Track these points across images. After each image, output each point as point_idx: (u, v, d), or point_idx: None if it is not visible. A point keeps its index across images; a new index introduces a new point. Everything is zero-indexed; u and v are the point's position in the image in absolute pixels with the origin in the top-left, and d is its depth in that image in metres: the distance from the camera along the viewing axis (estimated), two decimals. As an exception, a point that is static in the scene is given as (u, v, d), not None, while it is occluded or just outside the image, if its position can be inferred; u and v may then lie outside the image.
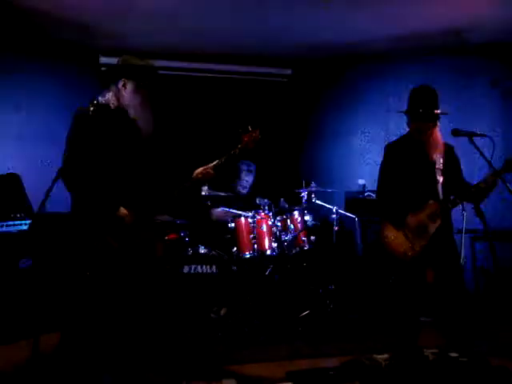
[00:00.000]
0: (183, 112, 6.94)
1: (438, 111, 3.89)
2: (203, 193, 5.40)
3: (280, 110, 7.42)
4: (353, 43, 6.48)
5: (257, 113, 6.99)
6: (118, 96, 3.56)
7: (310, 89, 7.59)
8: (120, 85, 3.55)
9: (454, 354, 3.44)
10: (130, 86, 3.56)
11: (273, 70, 7.43)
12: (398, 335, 4.07)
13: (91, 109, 3.42)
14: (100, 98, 3.56)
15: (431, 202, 3.88)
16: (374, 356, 3.59)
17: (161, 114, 3.84)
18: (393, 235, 3.93)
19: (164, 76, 3.73)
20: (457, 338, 3.84)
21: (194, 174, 3.70)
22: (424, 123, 3.90)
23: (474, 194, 3.75)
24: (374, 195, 6.16)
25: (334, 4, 5.26)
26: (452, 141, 4.06)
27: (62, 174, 3.31)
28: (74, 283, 3.46)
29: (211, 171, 3.70)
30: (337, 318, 5.29)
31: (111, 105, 3.55)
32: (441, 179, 3.92)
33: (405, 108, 4.03)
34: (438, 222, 3.84)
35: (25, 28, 5.87)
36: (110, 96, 3.57)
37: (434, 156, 3.96)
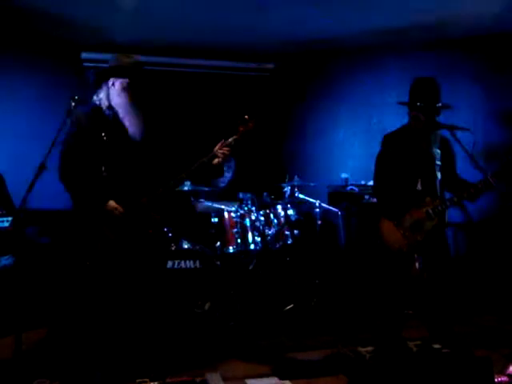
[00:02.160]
0: (166, 107, 6.90)
1: (440, 104, 3.84)
2: (185, 188, 5.38)
3: (262, 104, 7.40)
4: (335, 37, 6.48)
5: (239, 107, 6.97)
6: (108, 95, 3.57)
7: (293, 83, 7.58)
8: (110, 84, 3.57)
9: (437, 346, 3.48)
10: (118, 85, 3.56)
11: (255, 65, 7.42)
12: (382, 328, 4.09)
13: (84, 110, 3.46)
14: (94, 98, 3.59)
15: (428, 199, 3.85)
16: (358, 348, 3.62)
17: (151, 111, 3.83)
18: (389, 231, 3.92)
19: (146, 71, 3.71)
20: (440, 330, 3.87)
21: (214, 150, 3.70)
22: (425, 116, 3.85)
23: (473, 195, 3.73)
24: (357, 189, 6.19)
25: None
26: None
27: (60, 176, 3.45)
28: (73, 274, 3.49)
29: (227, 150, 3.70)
30: (320, 311, 5.30)
31: (103, 105, 3.57)
32: (439, 176, 3.88)
33: (400, 100, 4.00)
34: (436, 220, 3.82)
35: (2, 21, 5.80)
36: (102, 95, 3.59)
37: (433, 150, 3.94)
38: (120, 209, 3.47)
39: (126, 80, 3.56)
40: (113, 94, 3.58)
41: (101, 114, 3.56)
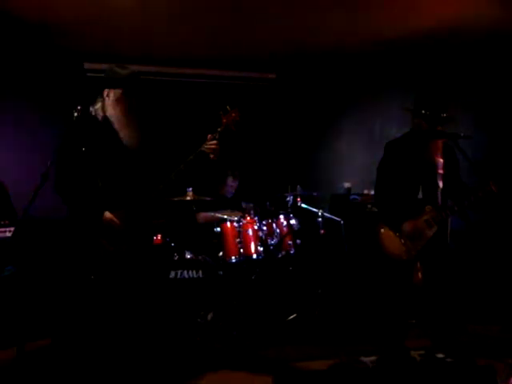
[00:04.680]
0: (167, 117, 6.92)
1: (445, 114, 3.83)
2: (188, 198, 5.39)
3: (265, 114, 7.42)
4: (337, 46, 6.50)
5: (242, 117, 6.98)
6: (103, 106, 3.58)
7: (294, 93, 7.60)
8: (104, 95, 3.57)
9: (440, 355, 3.47)
10: (112, 96, 3.57)
11: (256, 75, 7.44)
12: (386, 337, 4.07)
13: (81, 120, 3.45)
14: (90, 109, 3.59)
15: (429, 207, 3.85)
16: (362, 358, 3.62)
17: (149, 121, 3.84)
18: (389, 238, 3.92)
19: (143, 81, 3.72)
20: (443, 340, 3.86)
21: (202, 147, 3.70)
22: (427, 124, 3.84)
23: (474, 204, 3.71)
24: (359, 198, 6.19)
25: (323, 7, 5.30)
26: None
27: (55, 188, 3.43)
28: (76, 287, 3.48)
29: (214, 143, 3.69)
30: (323, 321, 5.29)
31: (98, 116, 3.57)
32: (441, 184, 3.87)
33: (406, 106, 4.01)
34: (435, 228, 3.81)
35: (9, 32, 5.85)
36: (97, 106, 3.59)
37: (436, 159, 3.93)
38: (116, 220, 3.46)
39: (120, 91, 3.56)
40: (108, 105, 3.57)
41: (97, 124, 3.56)
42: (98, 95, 3.62)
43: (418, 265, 3.85)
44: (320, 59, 6.96)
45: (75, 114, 3.42)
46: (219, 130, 3.74)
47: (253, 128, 6.86)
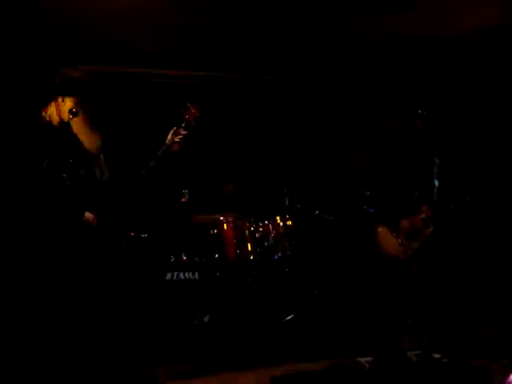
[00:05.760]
0: (159, 118, 6.90)
1: (441, 114, 3.88)
2: (183, 199, 5.39)
3: (261, 115, 7.42)
4: (335, 47, 6.51)
5: (238, 117, 7.01)
6: (58, 112, 3.50)
7: (291, 94, 7.59)
8: (59, 99, 3.51)
9: (437, 355, 3.47)
10: (68, 101, 3.51)
11: (253, 77, 7.44)
12: (382, 337, 4.07)
13: (37, 126, 3.42)
14: (44, 114, 3.52)
15: (425, 207, 3.86)
16: (358, 359, 3.61)
17: (110, 123, 3.83)
18: (385, 237, 3.92)
19: (99, 82, 3.69)
20: (440, 340, 3.86)
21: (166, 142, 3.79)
22: (423, 124, 3.87)
23: (470, 204, 3.72)
24: (356, 199, 6.17)
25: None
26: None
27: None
28: (53, 288, 3.44)
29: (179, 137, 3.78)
30: (320, 322, 5.28)
31: (54, 121, 3.50)
32: (437, 183, 3.88)
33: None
34: (431, 227, 3.82)
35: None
36: (52, 111, 3.52)
37: (432, 158, 3.93)
38: (95, 219, 3.46)
39: (76, 97, 3.51)
40: (63, 110, 3.49)
41: (53, 129, 3.49)
42: (51, 99, 3.54)
43: (415, 264, 3.86)
44: (317, 60, 6.96)
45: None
46: (182, 125, 3.84)
47: (250, 129, 6.86)
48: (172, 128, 3.82)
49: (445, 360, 3.40)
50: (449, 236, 4.00)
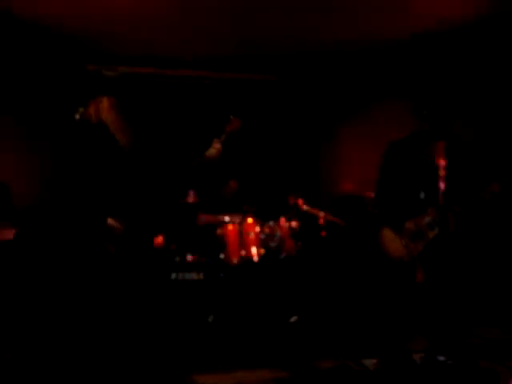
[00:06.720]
0: (166, 119, 6.92)
1: (446, 116, 3.82)
2: (189, 200, 5.40)
3: (265, 117, 7.42)
4: (336, 50, 6.51)
5: (243, 118, 6.99)
6: (97, 110, 3.54)
7: (295, 95, 7.59)
8: (98, 100, 3.54)
9: (441, 358, 3.46)
10: (105, 102, 3.55)
11: (257, 77, 7.44)
12: (387, 339, 4.07)
13: (77, 125, 3.43)
14: (83, 113, 3.55)
15: (431, 209, 3.85)
16: (363, 361, 3.61)
17: (145, 123, 3.85)
18: (390, 239, 3.91)
19: (135, 83, 3.71)
20: (445, 342, 3.85)
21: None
22: (429, 126, 3.85)
23: (475, 205, 3.71)
24: (361, 200, 6.18)
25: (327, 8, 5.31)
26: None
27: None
28: (78, 290, 3.46)
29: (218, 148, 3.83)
30: (325, 323, 5.28)
31: (91, 119, 3.53)
32: (443, 186, 3.87)
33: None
34: (436, 230, 3.81)
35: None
36: (91, 110, 3.55)
37: (438, 160, 3.92)
38: (119, 225, 3.46)
39: (113, 96, 3.55)
40: (102, 109, 3.56)
41: (91, 128, 3.52)
42: (90, 99, 3.58)
43: (419, 266, 3.85)
44: (321, 61, 6.96)
45: (77, 117, 3.42)
46: (223, 137, 3.88)
47: (254, 130, 6.86)
48: (213, 139, 3.87)
49: (450, 362, 3.40)
50: (453, 238, 3.99)
